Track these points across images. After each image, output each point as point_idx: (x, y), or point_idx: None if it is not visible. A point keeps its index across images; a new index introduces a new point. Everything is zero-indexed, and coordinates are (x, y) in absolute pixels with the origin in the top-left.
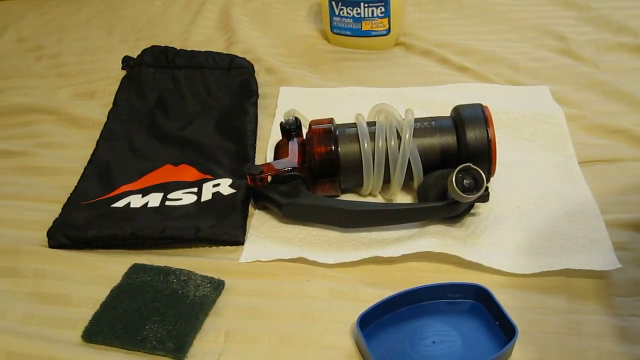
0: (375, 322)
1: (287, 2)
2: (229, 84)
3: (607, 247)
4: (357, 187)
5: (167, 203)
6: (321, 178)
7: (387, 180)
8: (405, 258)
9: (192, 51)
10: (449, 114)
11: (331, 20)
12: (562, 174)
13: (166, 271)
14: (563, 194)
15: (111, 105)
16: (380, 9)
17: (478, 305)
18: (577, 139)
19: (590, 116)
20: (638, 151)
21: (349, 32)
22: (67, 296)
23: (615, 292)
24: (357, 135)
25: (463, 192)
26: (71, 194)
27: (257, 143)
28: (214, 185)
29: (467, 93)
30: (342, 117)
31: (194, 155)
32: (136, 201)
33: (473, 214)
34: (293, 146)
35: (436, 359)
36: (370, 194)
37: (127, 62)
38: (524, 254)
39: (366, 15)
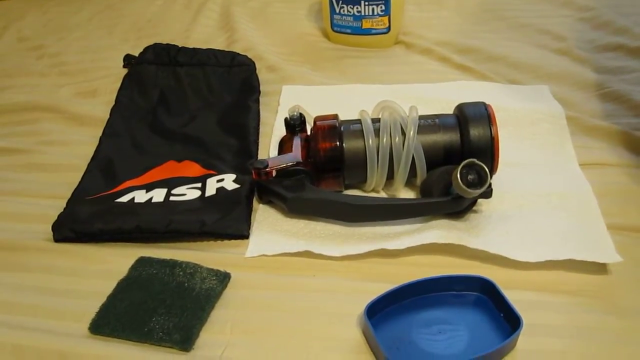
0: (382, 312)
1: (287, 0)
2: (230, 81)
3: (608, 243)
4: (360, 183)
5: (172, 198)
6: (325, 173)
7: (390, 177)
8: (409, 252)
9: (194, 49)
10: (450, 112)
11: (332, 18)
12: (563, 172)
13: (172, 264)
14: (564, 192)
15: (113, 103)
16: (381, 7)
17: (483, 298)
18: (575, 140)
19: (588, 118)
20: (636, 155)
21: (349, 30)
22: (74, 289)
23: (615, 289)
24: (361, 131)
25: (467, 187)
26: (75, 190)
27: (259, 140)
28: (218, 181)
29: (468, 91)
30: (344, 115)
31: (197, 151)
32: (140, 196)
33: (475, 211)
34: (297, 141)
35: (442, 349)
36: (373, 190)
37: (128, 60)
38: (527, 246)
39: (366, 13)
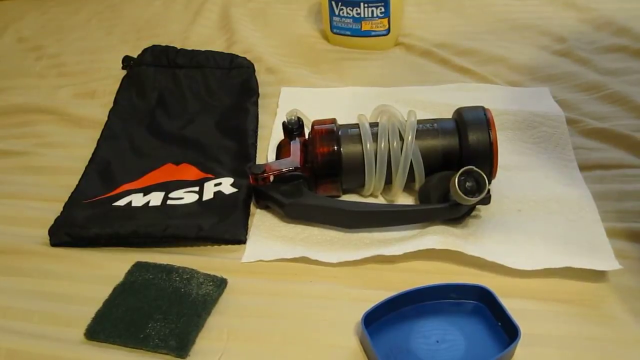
0: (379, 320)
1: (287, 2)
2: (229, 83)
3: (607, 249)
4: (358, 188)
5: (169, 202)
6: (323, 178)
7: (388, 182)
8: (407, 258)
9: (193, 50)
10: (449, 115)
11: (331, 20)
12: (563, 177)
13: (169, 269)
14: (563, 197)
15: (112, 105)
16: (380, 9)
17: (481, 306)
18: (576, 143)
19: (588, 120)
20: (637, 158)
21: (348, 32)
22: (69, 294)
23: (614, 298)
24: (359, 136)
25: (465, 195)
26: (72, 193)
27: (258, 142)
28: (216, 185)
29: (467, 94)
30: (342, 117)
31: (195, 154)
32: (137, 200)
33: (474, 217)
34: (295, 146)
35: (439, 359)
36: (371, 195)
37: (127, 61)
38: (525, 253)
39: (366, 15)
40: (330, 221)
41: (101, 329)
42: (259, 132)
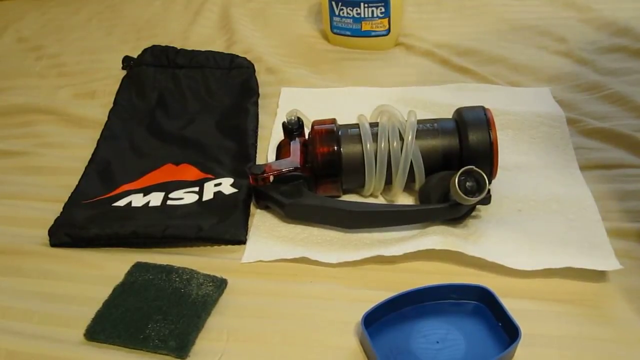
0: (379, 321)
1: (287, 2)
2: (229, 83)
3: (608, 250)
4: (358, 188)
5: (169, 202)
6: (323, 178)
7: (388, 182)
8: (407, 259)
9: (193, 51)
10: (449, 115)
11: (331, 21)
12: (563, 177)
13: (169, 270)
14: (564, 197)
15: (111, 105)
16: (380, 9)
17: (481, 307)
18: (576, 143)
19: (589, 120)
20: (637, 157)
21: (349, 32)
22: (69, 295)
23: (615, 298)
24: (359, 136)
25: (465, 195)
26: (72, 193)
27: (258, 143)
28: (215, 185)
29: (468, 94)
30: (343, 118)
31: (195, 154)
32: (137, 200)
33: (474, 217)
34: (295, 146)
35: (440, 359)
36: (372, 195)
37: (127, 62)
38: (526, 253)
39: (366, 16)
40: (330, 221)
41: (101, 330)
42: (259, 133)
